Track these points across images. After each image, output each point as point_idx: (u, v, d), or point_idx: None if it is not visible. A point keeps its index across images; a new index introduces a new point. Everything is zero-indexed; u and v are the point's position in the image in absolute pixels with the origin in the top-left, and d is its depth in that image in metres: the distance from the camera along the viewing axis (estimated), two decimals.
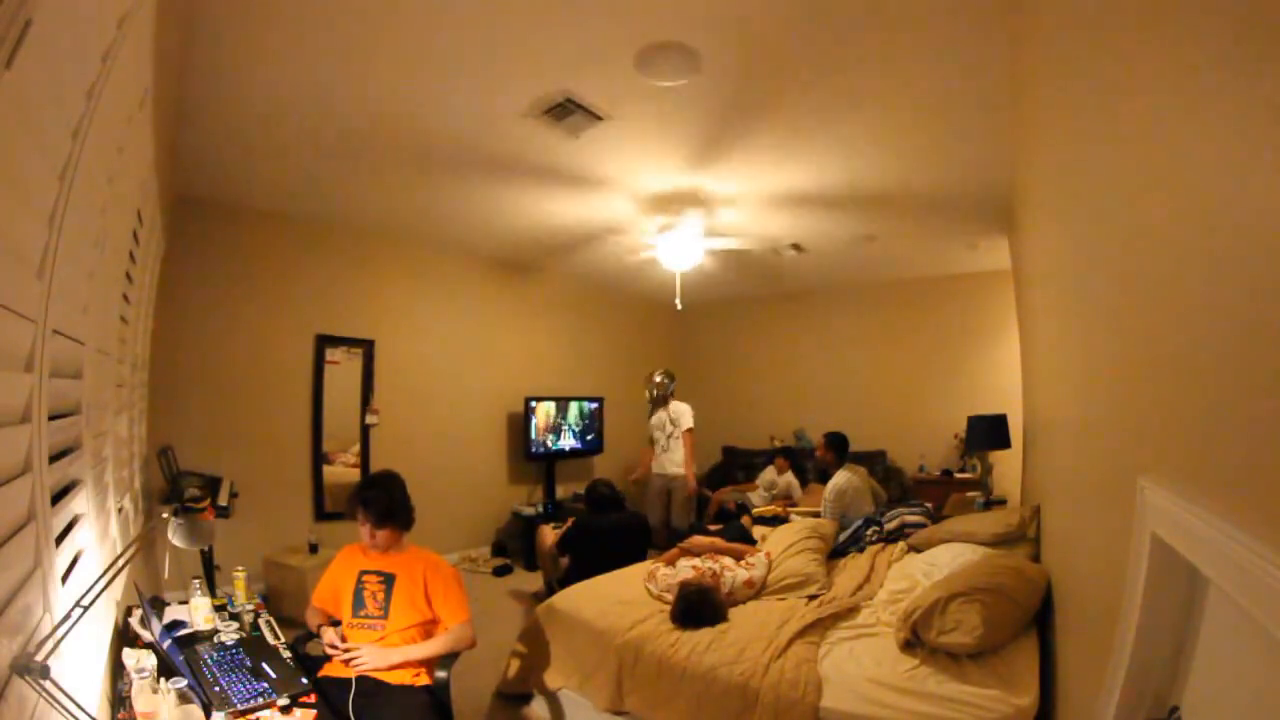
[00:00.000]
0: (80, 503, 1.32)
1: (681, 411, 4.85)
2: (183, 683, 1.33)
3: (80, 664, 1.20)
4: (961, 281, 5.99)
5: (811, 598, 2.74)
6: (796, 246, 5.02)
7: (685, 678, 2.16)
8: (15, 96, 0.75)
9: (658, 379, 4.98)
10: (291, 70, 2.37)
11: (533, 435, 5.53)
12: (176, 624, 1.89)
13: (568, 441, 5.88)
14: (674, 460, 4.81)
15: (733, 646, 2.24)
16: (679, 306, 5.01)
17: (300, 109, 2.68)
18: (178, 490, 2.47)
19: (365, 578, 2.03)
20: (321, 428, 4.30)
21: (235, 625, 1.93)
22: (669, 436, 4.84)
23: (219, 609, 2.05)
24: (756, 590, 2.84)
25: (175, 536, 2.20)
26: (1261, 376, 0.59)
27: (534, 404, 5.55)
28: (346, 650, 1.89)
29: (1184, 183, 0.77)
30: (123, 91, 1.32)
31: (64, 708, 0.95)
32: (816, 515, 4.06)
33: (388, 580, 2.01)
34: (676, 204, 3.88)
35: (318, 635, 2.00)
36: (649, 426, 5.01)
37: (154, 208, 2.47)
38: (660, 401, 4.94)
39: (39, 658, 0.91)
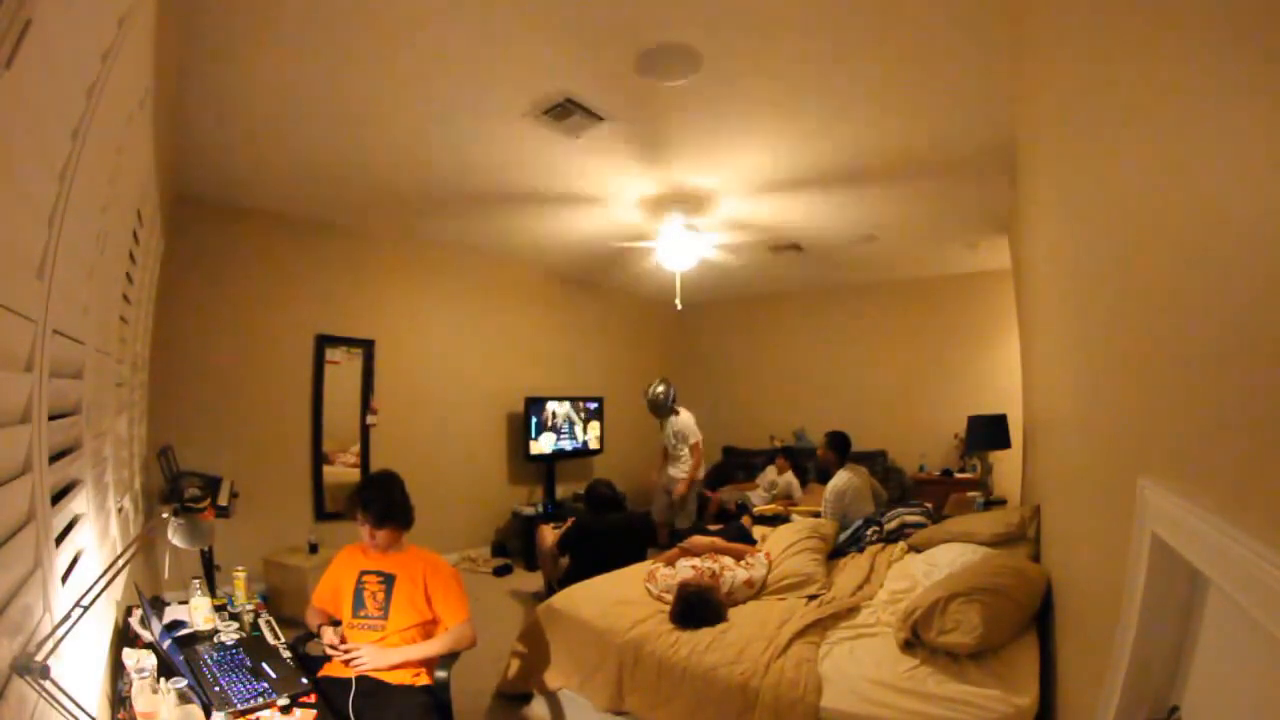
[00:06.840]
0: (80, 503, 1.32)
1: (687, 425, 5.06)
2: (183, 683, 1.32)
3: (80, 664, 1.20)
4: (961, 281, 5.99)
5: (811, 598, 2.74)
6: (796, 246, 5.01)
7: (685, 678, 2.16)
8: (15, 96, 0.75)
9: (658, 390, 5.08)
10: (292, 70, 2.37)
11: (532, 435, 5.53)
12: (176, 624, 1.89)
13: (568, 442, 5.88)
14: (681, 469, 5.05)
15: (733, 646, 2.24)
16: (679, 306, 5.02)
17: (300, 108, 2.68)
18: (178, 490, 2.46)
19: (365, 578, 2.03)
20: (321, 428, 4.30)
21: (235, 625, 1.93)
22: (677, 445, 5.08)
23: (219, 609, 2.04)
24: (756, 590, 2.84)
25: (175, 536, 2.20)
26: (1261, 376, 0.59)
27: (534, 404, 5.55)
28: (346, 650, 1.89)
29: (1185, 183, 0.77)
30: (123, 91, 1.32)
31: (64, 708, 0.95)
32: (817, 515, 4.06)
33: (388, 580, 2.01)
34: (676, 204, 3.88)
35: (318, 635, 2.00)
36: (663, 436, 5.21)
37: (154, 208, 2.47)
38: (666, 412, 5.09)
39: (39, 658, 0.91)
